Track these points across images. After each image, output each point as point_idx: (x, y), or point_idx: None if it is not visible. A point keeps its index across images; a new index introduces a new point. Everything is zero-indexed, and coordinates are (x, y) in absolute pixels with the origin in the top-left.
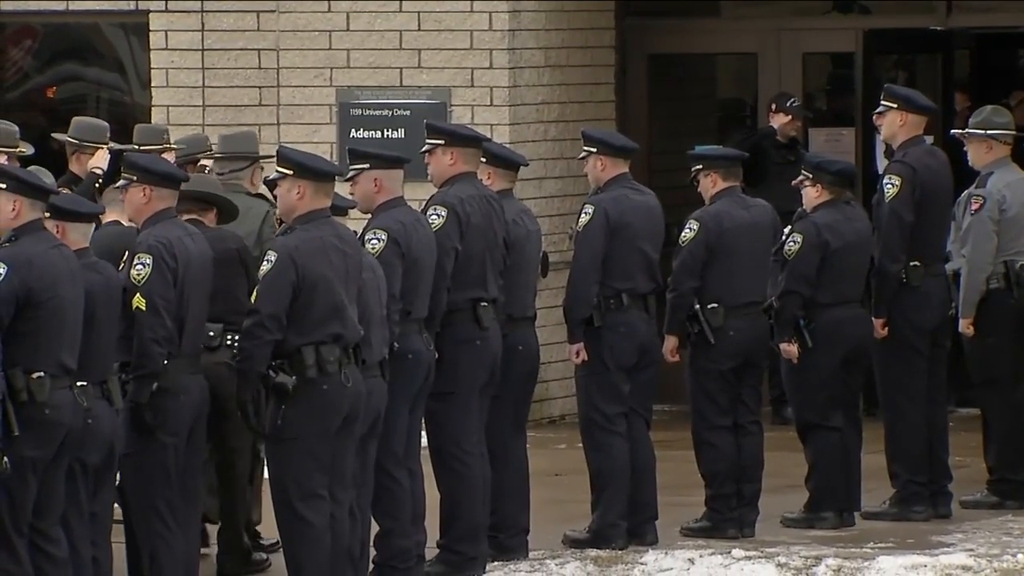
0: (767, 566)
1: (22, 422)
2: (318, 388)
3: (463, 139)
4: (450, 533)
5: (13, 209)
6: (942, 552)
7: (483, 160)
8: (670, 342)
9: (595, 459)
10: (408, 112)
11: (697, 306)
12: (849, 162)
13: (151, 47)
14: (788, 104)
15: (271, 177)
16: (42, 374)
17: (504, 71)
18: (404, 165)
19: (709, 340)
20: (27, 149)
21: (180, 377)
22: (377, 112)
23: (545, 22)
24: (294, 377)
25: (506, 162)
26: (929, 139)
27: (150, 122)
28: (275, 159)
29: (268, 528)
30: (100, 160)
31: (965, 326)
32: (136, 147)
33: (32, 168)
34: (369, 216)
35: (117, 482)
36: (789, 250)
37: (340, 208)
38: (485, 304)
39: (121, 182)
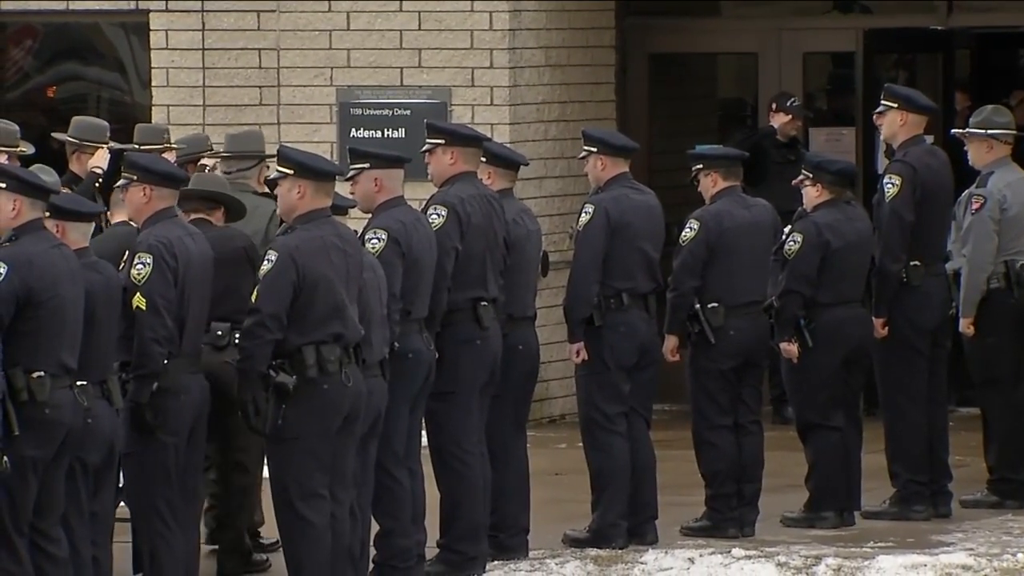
0: (767, 565)
1: (22, 422)
2: (319, 388)
3: (463, 139)
4: (450, 533)
5: (13, 208)
6: (942, 551)
7: (483, 160)
8: (670, 342)
9: (595, 459)
10: (408, 112)
11: (697, 306)
12: (849, 162)
13: (151, 47)
14: (788, 104)
15: (271, 176)
16: (42, 374)
17: (504, 71)
18: (404, 165)
19: (709, 340)
20: (27, 148)
21: (180, 377)
22: (377, 112)
23: (545, 22)
24: (295, 377)
25: (506, 162)
26: (929, 139)
27: (150, 122)
28: (275, 159)
29: (268, 528)
30: (100, 160)
31: (965, 326)
32: (136, 146)
33: (36, 166)
34: (369, 216)
35: (120, 483)
36: (789, 250)
37: (340, 208)
38: (485, 304)
39: (121, 181)
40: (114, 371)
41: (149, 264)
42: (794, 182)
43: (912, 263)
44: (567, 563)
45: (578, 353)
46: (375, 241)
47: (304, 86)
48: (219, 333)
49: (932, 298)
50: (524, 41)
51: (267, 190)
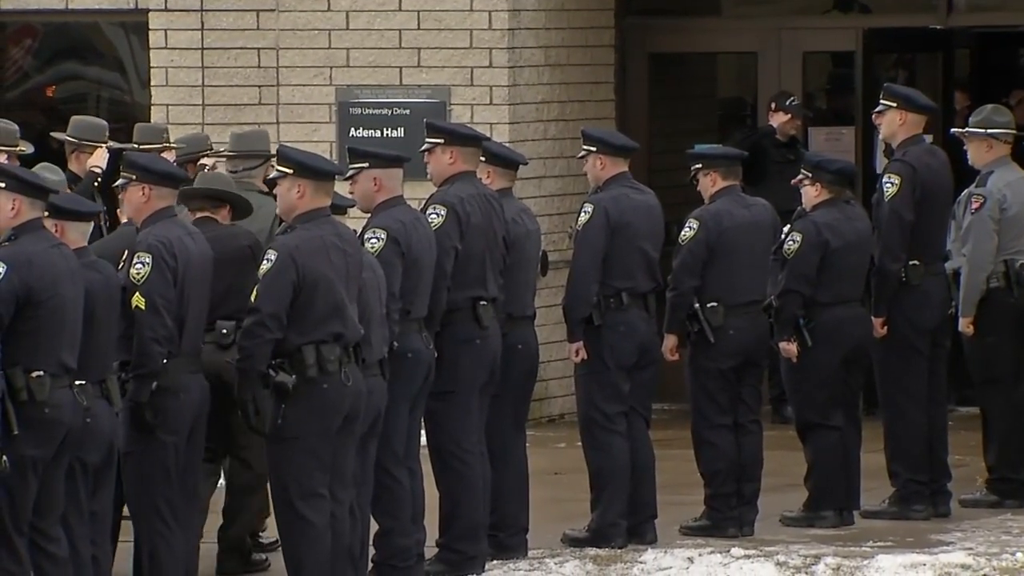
0: (766, 565)
1: (22, 421)
2: (318, 387)
3: (463, 138)
4: (450, 532)
5: (12, 208)
6: (941, 551)
7: (483, 159)
8: (670, 341)
9: (595, 458)
10: (408, 111)
11: (697, 305)
12: (849, 161)
13: (151, 46)
14: (788, 103)
15: (271, 176)
16: (42, 373)
17: (504, 70)
18: (404, 164)
19: (709, 339)
20: (27, 148)
21: (180, 376)
22: (377, 111)
23: (545, 21)
24: (294, 376)
25: (506, 161)
26: (929, 138)
27: (150, 121)
28: (275, 158)
29: (268, 527)
30: (99, 159)
31: (965, 325)
32: (135, 146)
33: (41, 165)
34: (369, 215)
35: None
36: (789, 249)
37: (340, 207)
38: (485, 303)
39: (120, 181)
40: (113, 371)
41: (148, 264)
42: (793, 181)
43: (911, 262)
44: (566, 562)
45: (577, 352)
46: (374, 240)
47: (303, 85)
48: (224, 331)
49: (931, 297)
50: (523, 40)
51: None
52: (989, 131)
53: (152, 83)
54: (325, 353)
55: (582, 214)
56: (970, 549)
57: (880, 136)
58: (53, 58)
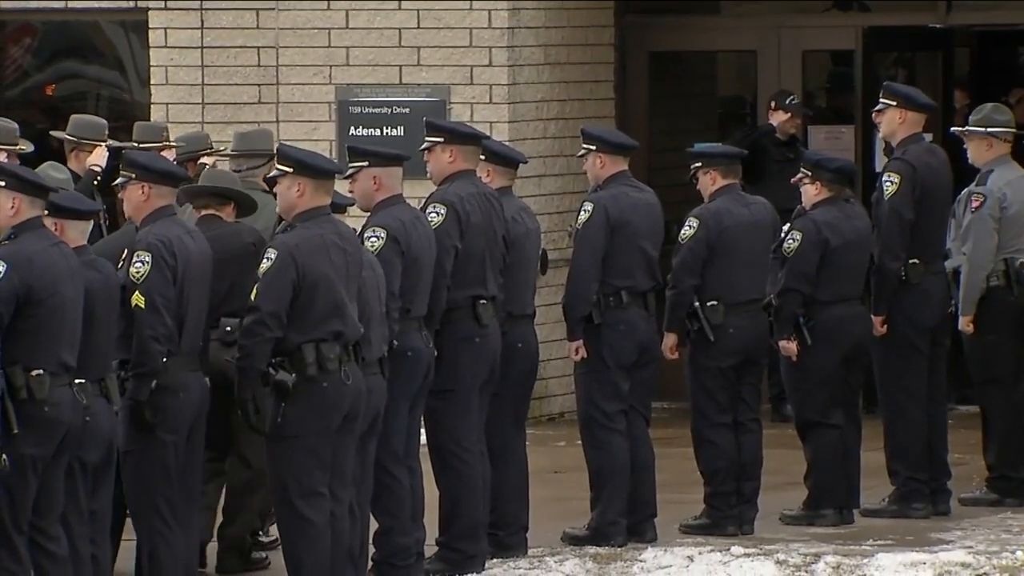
0: (766, 563)
1: (22, 420)
2: (318, 386)
3: (462, 137)
4: (450, 531)
5: (12, 207)
6: (941, 549)
7: (482, 158)
8: (670, 340)
9: (595, 457)
10: (407, 110)
11: (697, 304)
12: (848, 160)
13: (150, 45)
14: (788, 102)
15: (271, 175)
16: (42, 372)
17: (503, 69)
18: (403, 163)
19: (709, 338)
20: (27, 147)
21: (180, 375)
22: (376, 110)
23: (545, 20)
24: (294, 375)
25: (505, 160)
26: (928, 137)
27: (149, 120)
28: (275, 157)
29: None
30: (99, 158)
31: (965, 324)
32: (135, 144)
33: (47, 163)
34: (368, 214)
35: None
36: (788, 248)
37: (339, 206)
38: (484, 302)
39: (120, 180)
40: (113, 369)
41: (148, 262)
42: (793, 180)
43: (911, 261)
44: (566, 561)
45: (577, 351)
46: (374, 239)
47: (303, 84)
48: (228, 329)
49: (931, 296)
50: (523, 39)
51: None
52: (989, 129)
53: (152, 81)
54: (325, 352)
55: (582, 213)
56: (970, 547)
57: (880, 135)
58: (53, 57)
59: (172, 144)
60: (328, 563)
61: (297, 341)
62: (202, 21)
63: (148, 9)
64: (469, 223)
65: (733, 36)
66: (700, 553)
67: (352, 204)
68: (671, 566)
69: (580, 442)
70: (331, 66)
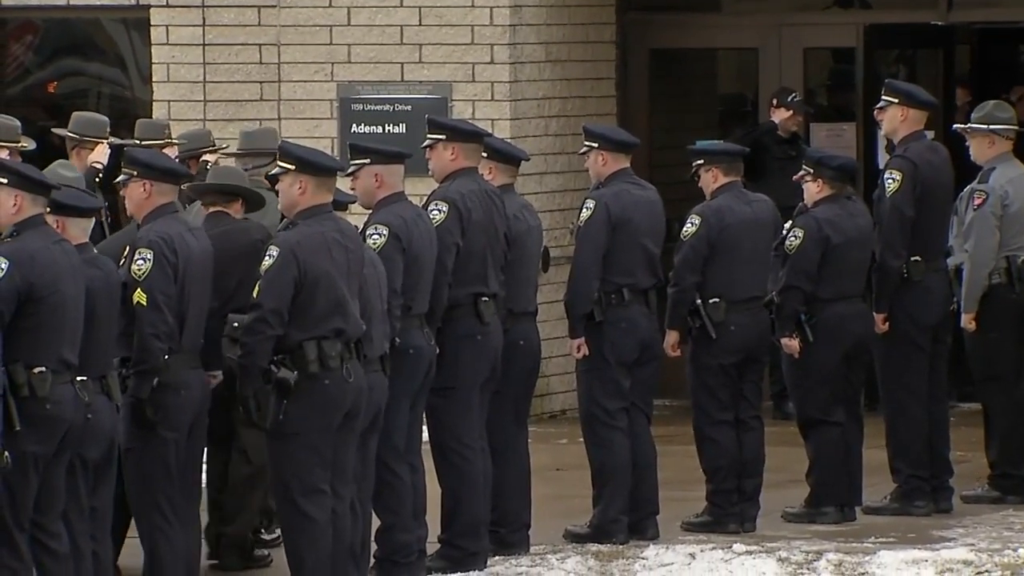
0: (768, 561)
1: (23, 417)
2: (320, 383)
3: (464, 134)
4: (451, 528)
5: (15, 204)
6: (943, 547)
7: (484, 155)
8: (671, 337)
9: (596, 454)
10: (409, 107)
11: (698, 301)
12: (850, 157)
13: (152, 42)
14: (789, 99)
15: (273, 172)
16: (43, 369)
17: (505, 66)
18: (405, 160)
19: (710, 335)
20: (29, 144)
21: (181, 372)
22: (378, 107)
23: (546, 17)
24: (296, 372)
25: (507, 157)
26: (930, 134)
27: (151, 117)
28: (277, 154)
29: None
30: (100, 155)
31: (967, 321)
32: (137, 142)
33: (58, 162)
34: (370, 211)
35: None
36: (790, 245)
37: (341, 203)
38: (486, 299)
39: (121, 177)
40: (114, 367)
41: (149, 260)
42: (795, 178)
43: (913, 259)
44: (568, 558)
45: (579, 349)
46: (376, 237)
47: (305, 82)
48: (235, 325)
49: (933, 294)
50: (525, 37)
51: None
52: (991, 127)
53: (153, 79)
54: (327, 349)
55: (583, 210)
56: (972, 545)
57: (882, 132)
58: (54, 54)
59: (174, 141)
60: (329, 560)
61: (299, 338)
62: (204, 18)
63: (150, 6)
64: (471, 220)
65: (734, 33)
66: (702, 551)
67: (354, 202)
68: (673, 564)
69: (582, 439)
70: (333, 63)
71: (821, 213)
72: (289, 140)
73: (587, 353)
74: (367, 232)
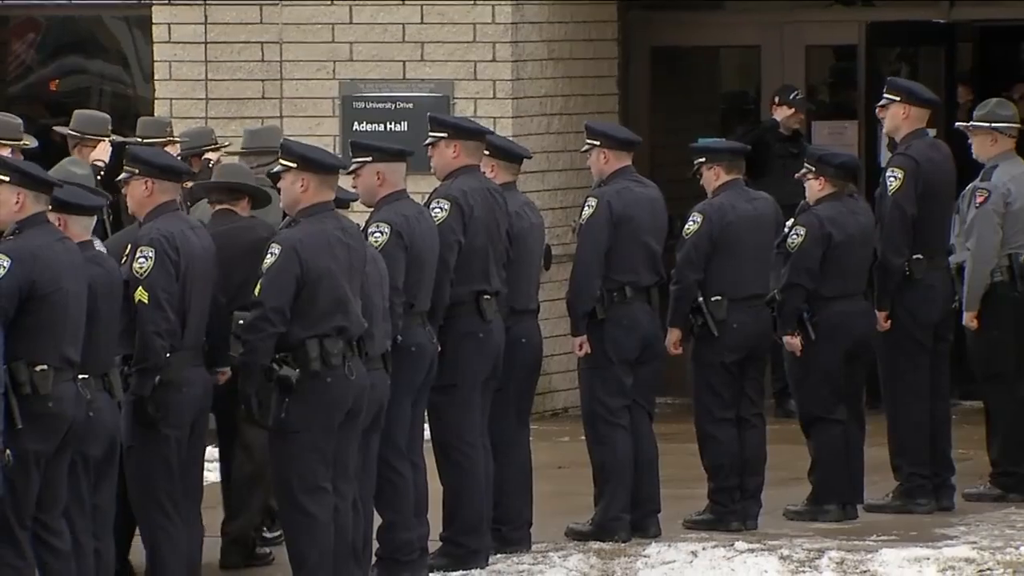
0: (770, 559)
1: (25, 415)
2: (322, 381)
3: (466, 132)
4: (453, 526)
5: (17, 202)
6: (945, 545)
7: (486, 153)
8: (673, 335)
9: (598, 452)
10: (411, 105)
11: (700, 299)
12: (852, 155)
13: (154, 40)
14: (791, 97)
15: (275, 170)
16: (45, 367)
17: (507, 64)
18: (407, 158)
19: (712, 333)
20: (31, 142)
21: (183, 370)
22: (380, 105)
23: (548, 15)
24: (298, 370)
25: (509, 155)
26: (932, 132)
27: (153, 115)
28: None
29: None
30: (102, 153)
31: (969, 319)
32: (139, 140)
33: (67, 159)
34: (372, 209)
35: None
36: (792, 243)
37: (343, 201)
38: (488, 297)
39: (123, 175)
40: (116, 364)
41: (151, 258)
42: (797, 175)
43: (915, 256)
44: (570, 556)
45: (581, 346)
46: (378, 234)
47: (307, 80)
48: (241, 322)
49: (935, 292)
50: (527, 35)
51: None
52: (994, 125)
53: (155, 77)
54: (328, 347)
55: (585, 208)
56: (974, 543)
57: (884, 130)
58: (56, 52)
59: (176, 139)
60: (331, 558)
61: (300, 336)
62: (206, 16)
63: (152, 4)
64: (472, 218)
65: (736, 31)
66: (704, 548)
67: (356, 199)
68: (675, 561)
69: (584, 437)
70: (335, 62)
71: (823, 211)
72: (291, 138)
73: (589, 351)
74: (369, 230)
